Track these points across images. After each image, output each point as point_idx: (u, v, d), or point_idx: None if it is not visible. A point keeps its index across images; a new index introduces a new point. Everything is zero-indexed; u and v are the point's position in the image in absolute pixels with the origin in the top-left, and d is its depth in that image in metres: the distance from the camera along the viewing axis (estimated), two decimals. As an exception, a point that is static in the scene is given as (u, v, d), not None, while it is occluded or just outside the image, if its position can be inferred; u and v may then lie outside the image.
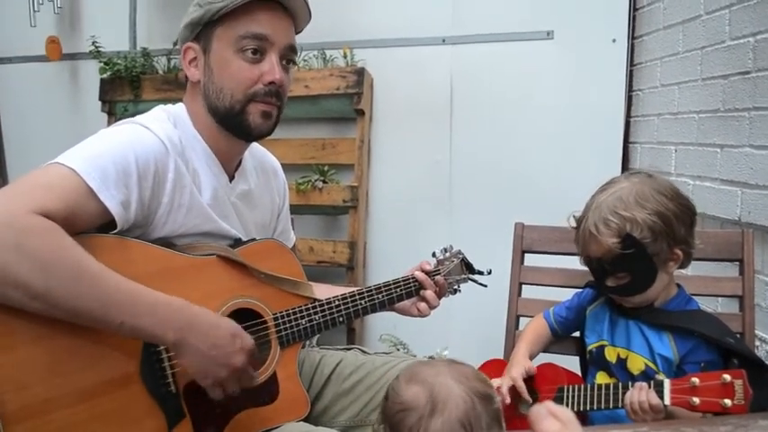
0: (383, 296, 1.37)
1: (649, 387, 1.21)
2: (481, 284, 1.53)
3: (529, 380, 1.43)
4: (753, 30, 1.80)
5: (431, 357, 1.74)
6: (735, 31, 1.89)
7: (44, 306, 0.95)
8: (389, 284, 1.39)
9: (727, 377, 1.12)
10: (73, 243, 0.98)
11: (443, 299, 1.47)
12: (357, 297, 1.35)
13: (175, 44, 2.95)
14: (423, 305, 1.42)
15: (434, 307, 1.43)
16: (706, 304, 1.57)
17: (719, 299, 1.87)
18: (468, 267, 1.52)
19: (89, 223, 1.05)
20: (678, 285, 1.43)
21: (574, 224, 1.42)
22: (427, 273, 1.43)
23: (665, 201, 1.31)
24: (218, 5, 1.17)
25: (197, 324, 1.06)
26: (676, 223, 1.31)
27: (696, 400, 1.14)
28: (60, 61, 3.26)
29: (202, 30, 1.21)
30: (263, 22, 1.20)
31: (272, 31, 1.20)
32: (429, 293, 1.41)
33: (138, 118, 1.18)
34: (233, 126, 1.23)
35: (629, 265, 1.31)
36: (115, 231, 1.08)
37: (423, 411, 0.91)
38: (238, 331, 1.11)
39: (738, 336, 1.46)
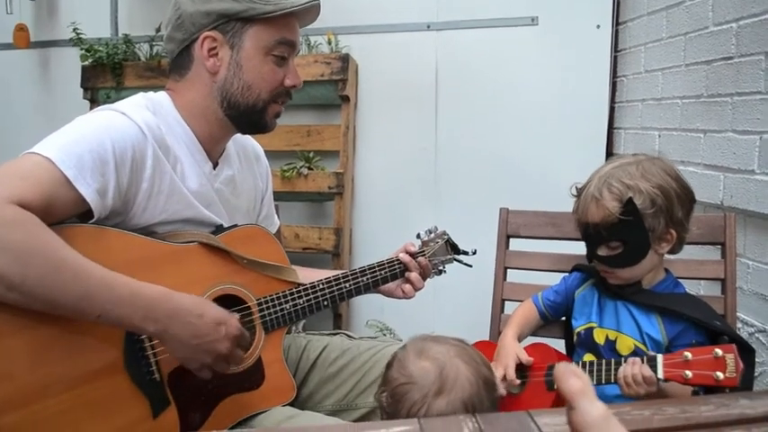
0: (368, 278, 1.37)
1: (642, 362, 1.23)
2: (466, 265, 1.53)
3: (520, 365, 1.43)
4: (735, 15, 1.81)
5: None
6: (718, 17, 1.90)
7: (21, 297, 0.94)
8: (374, 267, 1.39)
9: (719, 351, 1.13)
10: (51, 234, 0.97)
11: (429, 280, 1.47)
12: (341, 280, 1.35)
13: (158, 30, 2.93)
14: (408, 287, 1.43)
15: (419, 288, 1.43)
16: (689, 287, 1.58)
17: (702, 282, 1.89)
18: (453, 248, 1.52)
19: (66, 212, 1.04)
20: (666, 270, 1.44)
21: (575, 193, 1.42)
22: (412, 254, 1.43)
23: (669, 179, 1.33)
24: (266, 8, 1.18)
25: (178, 314, 1.05)
26: (676, 203, 1.33)
27: (689, 373, 1.15)
28: (41, 49, 3.22)
29: (229, 23, 1.20)
30: (293, 29, 1.26)
31: (297, 39, 1.27)
32: (413, 275, 1.41)
33: (115, 104, 1.17)
34: (249, 121, 1.27)
35: (624, 233, 1.32)
36: (93, 220, 1.07)
37: (429, 389, 0.91)
38: (223, 317, 1.11)
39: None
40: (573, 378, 0.60)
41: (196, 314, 1.08)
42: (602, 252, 1.37)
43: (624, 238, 1.33)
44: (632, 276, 1.38)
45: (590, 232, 1.37)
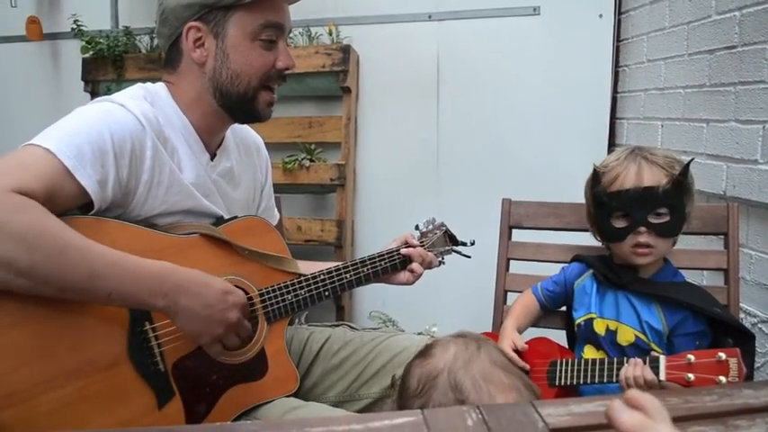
0: (368, 269, 1.38)
1: (645, 363, 1.22)
2: (465, 255, 1.53)
3: (520, 353, 1.44)
4: (739, 4, 1.80)
5: (419, 333, 1.74)
6: (721, 6, 1.89)
7: (30, 283, 0.94)
8: (374, 258, 1.40)
9: (723, 355, 1.13)
10: (54, 218, 0.96)
11: (429, 271, 1.47)
12: (342, 271, 1.35)
13: (157, 22, 2.92)
14: (408, 274, 1.43)
15: (419, 275, 1.44)
16: (691, 278, 1.58)
17: (705, 272, 1.89)
18: (451, 239, 1.53)
19: (67, 204, 1.04)
20: (664, 259, 1.44)
21: (603, 165, 1.42)
22: (412, 246, 1.43)
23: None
24: None
25: (186, 286, 1.06)
26: (692, 187, 1.37)
27: (691, 376, 1.15)
28: (42, 41, 3.20)
29: (211, 12, 1.18)
30: (279, 10, 1.22)
31: (285, 20, 1.24)
32: (416, 265, 1.42)
33: (114, 96, 1.16)
34: (241, 111, 1.26)
35: (674, 200, 1.33)
36: (93, 212, 1.07)
37: (425, 349, 0.93)
38: (229, 288, 1.13)
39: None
40: (626, 413, 0.53)
41: (202, 284, 1.09)
42: (652, 219, 1.34)
43: (673, 205, 1.33)
44: (662, 254, 1.39)
45: (644, 197, 1.33)
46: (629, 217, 1.36)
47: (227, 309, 1.11)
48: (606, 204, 1.38)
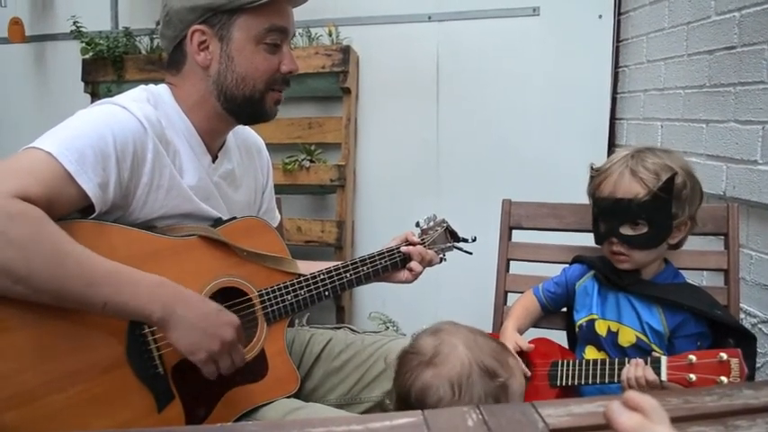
0: (368, 268, 1.38)
1: (646, 363, 1.22)
2: (466, 252, 1.53)
3: (521, 354, 1.44)
4: (738, 5, 1.80)
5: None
6: (720, 6, 1.89)
7: (27, 290, 0.94)
8: (374, 256, 1.40)
9: (724, 356, 1.13)
10: (54, 226, 0.97)
11: (430, 269, 1.47)
12: (342, 270, 1.35)
13: (158, 23, 2.91)
14: (408, 273, 1.43)
15: (419, 274, 1.44)
16: (691, 278, 1.57)
17: (705, 272, 1.89)
18: (452, 236, 1.53)
19: (69, 207, 1.04)
20: (665, 260, 1.44)
21: (594, 169, 1.42)
22: (413, 244, 1.43)
23: (689, 169, 1.35)
24: None
25: (183, 297, 1.06)
26: (698, 194, 1.35)
27: (692, 376, 1.15)
28: (37, 42, 3.20)
29: (216, 15, 1.18)
30: (284, 14, 1.23)
31: (290, 24, 1.25)
32: (415, 264, 1.42)
33: (116, 98, 1.16)
34: (248, 112, 1.26)
35: (653, 212, 1.31)
36: (94, 215, 1.07)
37: (422, 360, 0.94)
38: (223, 309, 1.12)
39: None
40: (625, 414, 0.54)
41: (199, 299, 1.09)
42: (625, 231, 1.34)
43: (651, 218, 1.31)
44: (644, 262, 1.38)
45: (616, 208, 1.34)
46: (605, 224, 1.39)
47: (223, 326, 1.09)
48: (592, 207, 1.42)
